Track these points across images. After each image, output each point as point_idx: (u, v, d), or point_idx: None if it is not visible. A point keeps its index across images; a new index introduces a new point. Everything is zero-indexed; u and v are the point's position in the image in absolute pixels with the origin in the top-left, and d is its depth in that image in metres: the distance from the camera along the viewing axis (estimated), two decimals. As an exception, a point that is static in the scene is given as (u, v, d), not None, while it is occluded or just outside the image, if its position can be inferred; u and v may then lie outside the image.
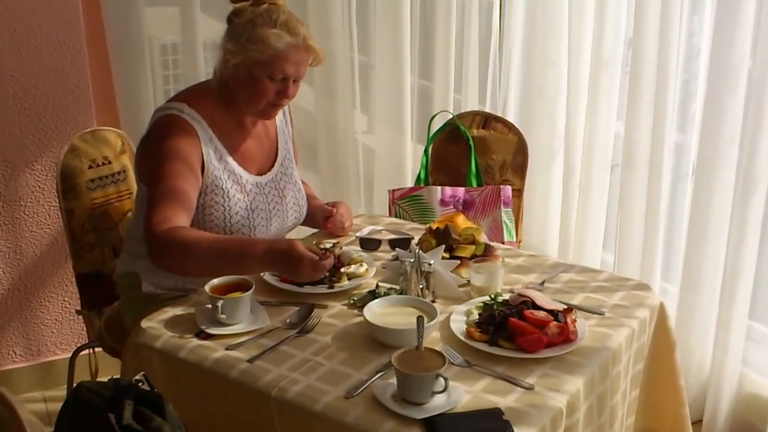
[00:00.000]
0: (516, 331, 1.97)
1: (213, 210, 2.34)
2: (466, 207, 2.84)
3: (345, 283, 2.26)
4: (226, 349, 1.99)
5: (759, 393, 2.92)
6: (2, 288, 3.19)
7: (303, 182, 2.65)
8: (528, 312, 2.02)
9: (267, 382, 1.87)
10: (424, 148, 3.07)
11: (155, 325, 2.10)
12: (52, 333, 3.30)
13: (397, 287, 2.20)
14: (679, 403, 2.30)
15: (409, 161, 3.55)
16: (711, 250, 2.88)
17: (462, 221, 2.42)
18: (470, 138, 3.03)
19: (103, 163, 2.70)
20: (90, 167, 2.68)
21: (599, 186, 3.43)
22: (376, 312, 2.07)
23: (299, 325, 2.09)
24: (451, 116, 3.11)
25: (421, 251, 2.21)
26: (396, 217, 2.91)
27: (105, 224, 2.73)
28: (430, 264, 2.19)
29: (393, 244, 2.50)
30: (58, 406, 1.63)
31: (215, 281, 2.11)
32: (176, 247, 2.09)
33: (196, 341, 2.03)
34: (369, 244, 2.51)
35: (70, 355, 2.83)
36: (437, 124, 3.13)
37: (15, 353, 3.28)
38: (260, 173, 2.47)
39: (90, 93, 3.09)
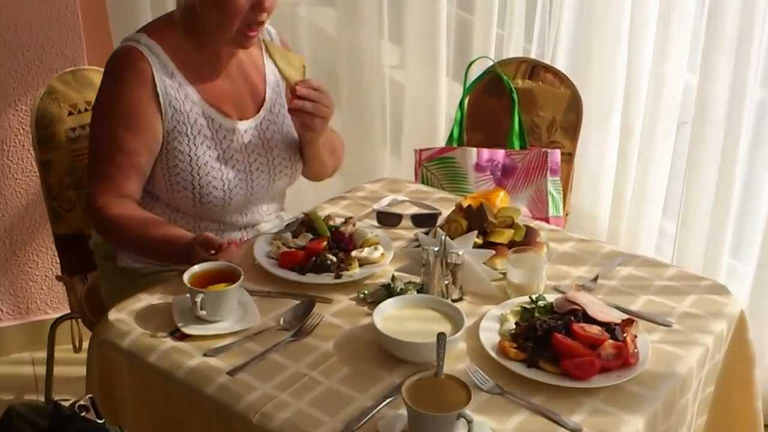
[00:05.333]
0: (562, 352, 1.58)
1: (177, 161, 1.98)
2: (506, 173, 2.43)
3: (355, 272, 1.88)
4: (205, 354, 1.63)
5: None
6: (-15, 242, 2.88)
7: (337, 136, 2.24)
8: (577, 326, 1.62)
9: (249, 404, 1.51)
10: (459, 100, 2.63)
11: (125, 317, 1.74)
12: (42, 290, 2.98)
13: (417, 281, 1.81)
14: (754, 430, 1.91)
15: (443, 102, 3.09)
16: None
17: (501, 199, 2.02)
18: (514, 90, 2.59)
19: (86, 109, 2.32)
20: (70, 113, 2.31)
21: (663, 146, 3.01)
22: (388, 315, 1.69)
23: (296, 325, 1.72)
24: (492, 63, 2.66)
25: (448, 238, 1.82)
26: (423, 182, 2.51)
27: (88, 180, 2.37)
28: (458, 254, 1.80)
29: (416, 219, 2.11)
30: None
31: (196, 268, 1.74)
32: (107, 228, 1.97)
33: (170, 342, 1.67)
34: (388, 219, 2.12)
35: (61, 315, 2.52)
36: (475, 73, 2.69)
37: (2, 311, 2.98)
38: (242, 118, 2.08)
39: (80, 24, 2.70)
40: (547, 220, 2.42)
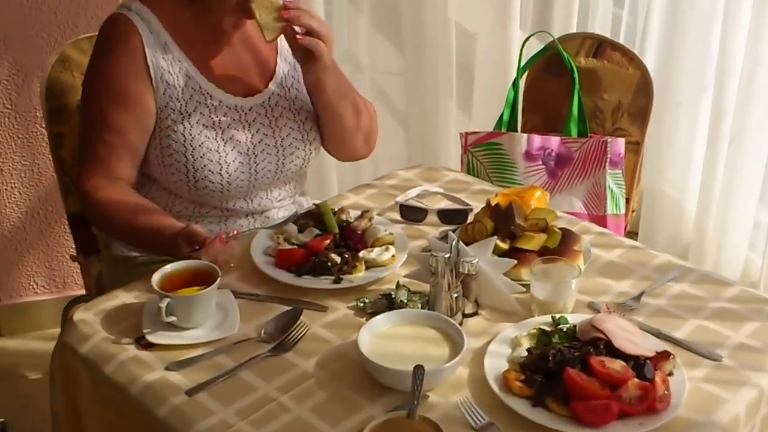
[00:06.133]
0: (573, 391, 1.32)
1: (171, 141, 1.79)
2: (560, 163, 2.15)
3: (359, 276, 1.65)
4: (167, 368, 1.44)
5: None
6: (20, 211, 2.78)
7: (364, 101, 2.01)
8: (596, 360, 1.36)
9: (201, 433, 1.32)
10: (513, 79, 2.34)
11: (91, 318, 1.57)
12: (78, 265, 2.87)
13: (425, 292, 1.58)
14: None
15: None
16: None
17: (537, 199, 1.75)
18: (575, 69, 2.29)
19: (101, 79, 2.16)
20: (84, 83, 2.15)
21: (758, 129, 2.69)
22: (380, 332, 1.46)
23: (276, 338, 1.51)
24: (552, 38, 2.36)
25: (462, 244, 1.57)
26: (468, 170, 2.25)
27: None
28: (472, 263, 1.55)
29: (444, 215, 1.86)
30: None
31: (168, 268, 1.55)
32: (95, 213, 1.80)
33: (133, 350, 1.49)
34: (412, 213, 1.88)
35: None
36: (532, 49, 2.39)
37: (36, 284, 2.89)
38: (247, 94, 1.87)
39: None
40: (604, 218, 2.13)
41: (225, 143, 1.82)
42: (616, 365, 1.36)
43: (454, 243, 1.55)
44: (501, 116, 2.32)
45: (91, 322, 1.55)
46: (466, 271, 1.55)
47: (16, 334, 2.90)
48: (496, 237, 1.63)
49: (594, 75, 2.32)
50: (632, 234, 2.97)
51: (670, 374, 1.40)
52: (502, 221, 1.67)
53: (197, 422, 1.33)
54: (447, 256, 1.53)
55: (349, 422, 1.33)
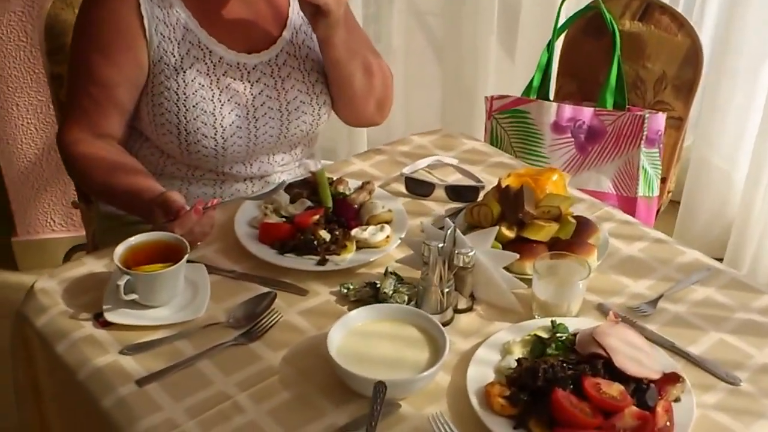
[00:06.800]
0: (559, 416, 1.17)
1: (163, 99, 1.65)
2: (592, 137, 1.94)
3: (346, 258, 1.50)
4: (122, 351, 1.32)
5: None
6: (36, 147, 2.70)
7: (379, 63, 1.84)
8: (591, 382, 1.20)
9: (144, 431, 1.20)
10: (548, 41, 2.12)
11: (53, 287, 1.45)
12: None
13: (416, 281, 1.42)
14: None
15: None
16: None
17: (554, 183, 1.56)
18: (617, 33, 2.06)
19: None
20: (85, 22, 2.01)
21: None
22: (355, 329, 1.32)
23: (245, 324, 1.38)
24: (594, -2, 2.13)
25: (459, 233, 1.41)
26: (492, 138, 2.06)
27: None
28: (468, 255, 1.39)
29: (452, 192, 1.70)
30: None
31: (133, 240, 1.42)
32: (73, 168, 1.69)
33: (90, 328, 1.37)
34: (418, 187, 1.72)
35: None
36: (570, 8, 2.17)
37: (54, 221, 2.82)
38: (251, 51, 1.71)
39: None
40: (634, 201, 1.93)
41: (222, 105, 1.67)
42: (614, 390, 1.19)
43: (449, 232, 1.38)
44: (531, 81, 2.11)
45: (52, 292, 1.44)
46: (461, 264, 1.39)
47: (32, 270, 2.84)
48: (499, 226, 1.45)
49: (638, 40, 2.09)
50: (674, 203, 2.76)
51: (677, 400, 1.23)
52: (510, 206, 1.50)
53: (141, 419, 1.21)
54: (440, 245, 1.37)
55: (307, 429, 1.20)
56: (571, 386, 1.20)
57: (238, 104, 1.68)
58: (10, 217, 2.80)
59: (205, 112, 1.65)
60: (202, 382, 1.27)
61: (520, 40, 2.74)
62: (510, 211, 1.50)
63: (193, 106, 1.64)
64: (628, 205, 1.95)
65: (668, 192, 2.08)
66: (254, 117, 1.69)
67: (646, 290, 1.48)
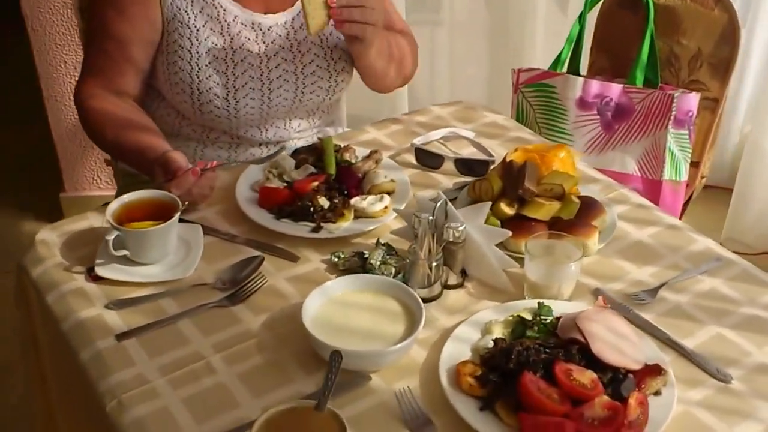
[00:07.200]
0: (525, 401, 1.14)
1: (177, 57, 1.65)
2: (619, 115, 1.87)
3: (341, 226, 1.49)
4: (107, 306, 1.34)
5: None
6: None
7: (405, 36, 1.82)
8: (562, 368, 1.16)
9: (114, 385, 1.21)
10: (580, 12, 2.04)
11: (53, 240, 1.48)
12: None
13: (404, 257, 1.40)
14: None
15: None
16: None
17: (562, 160, 1.51)
18: (652, 5, 1.97)
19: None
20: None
21: None
22: (335, 298, 1.31)
23: (231, 287, 1.38)
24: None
25: (451, 206, 1.38)
26: (517, 112, 2.00)
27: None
28: (459, 230, 1.36)
29: (461, 165, 1.67)
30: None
31: (126, 198, 1.43)
32: (86, 123, 1.69)
33: (81, 281, 1.39)
34: (428, 158, 1.69)
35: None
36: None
37: (100, 179, 2.88)
38: (268, 11, 1.69)
39: None
40: (659, 184, 1.86)
41: (236, 65, 1.66)
42: (585, 377, 1.15)
43: (439, 204, 1.36)
44: (559, 54, 2.04)
45: (51, 244, 1.47)
46: (450, 238, 1.36)
47: (79, 226, 2.91)
48: (499, 202, 1.42)
49: (673, 14, 1.99)
50: (728, 191, 2.66)
51: (657, 393, 1.19)
52: (512, 182, 1.46)
53: (112, 373, 1.22)
54: (430, 218, 1.35)
55: (274, 396, 1.19)
56: (542, 371, 1.16)
57: (252, 65, 1.67)
58: (58, 173, 2.87)
59: (218, 71, 1.65)
60: (180, 341, 1.28)
61: (570, 15, 2.65)
62: (511, 187, 1.46)
63: (206, 65, 1.64)
64: (653, 188, 1.88)
65: (701, 178, 2.00)
66: (268, 79, 1.69)
67: (649, 278, 1.43)
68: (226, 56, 1.66)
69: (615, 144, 1.92)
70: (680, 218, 1.91)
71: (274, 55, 1.69)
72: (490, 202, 1.41)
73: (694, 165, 1.96)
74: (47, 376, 1.48)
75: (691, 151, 1.90)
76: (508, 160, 1.51)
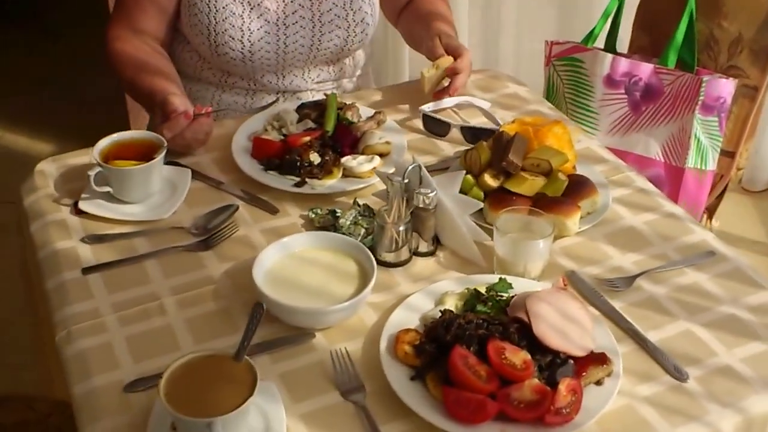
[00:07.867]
0: (452, 375, 1.11)
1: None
2: (648, 96, 1.78)
3: (326, 183, 1.48)
4: (82, 239, 1.38)
5: None
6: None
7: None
8: (495, 346, 1.13)
9: (68, 316, 1.25)
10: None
11: (51, 171, 1.54)
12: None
13: (378, 219, 1.38)
14: None
15: None
16: None
17: (557, 136, 1.46)
18: (694, -14, 1.84)
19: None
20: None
21: None
22: (292, 253, 1.31)
23: (203, 233, 1.40)
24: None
25: (425, 171, 1.35)
26: (548, 84, 1.93)
27: None
28: (428, 196, 1.33)
29: (467, 133, 1.63)
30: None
31: (116, 136, 1.46)
32: (110, 62, 1.74)
33: (65, 213, 1.44)
34: (435, 125, 1.66)
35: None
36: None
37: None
38: None
39: None
40: (682, 172, 1.77)
41: (252, 8, 1.68)
42: (518, 358, 1.12)
43: (411, 167, 1.33)
44: (593, 29, 1.94)
45: (48, 175, 1.52)
46: (420, 204, 1.34)
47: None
48: (464, 172, 1.38)
49: (716, -4, 1.87)
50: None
51: (599, 383, 1.14)
52: (499, 154, 1.42)
53: (68, 305, 1.26)
54: (404, 182, 1.33)
55: (215, 343, 1.21)
56: (476, 347, 1.14)
57: (268, 9, 1.69)
58: (125, 115, 2.94)
59: (234, 14, 1.67)
60: (141, 280, 1.31)
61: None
62: (498, 158, 1.42)
63: (223, 8, 1.67)
64: (675, 175, 1.79)
65: (738, 169, 1.89)
66: (284, 24, 1.69)
67: (631, 265, 1.37)
68: (242, 1, 1.67)
69: (641, 126, 1.83)
70: (706, 208, 1.81)
71: (291, 1, 1.69)
72: (464, 171, 1.38)
73: (729, 155, 1.85)
74: (37, 302, 1.54)
75: (721, 139, 1.79)
76: (500, 130, 1.47)
